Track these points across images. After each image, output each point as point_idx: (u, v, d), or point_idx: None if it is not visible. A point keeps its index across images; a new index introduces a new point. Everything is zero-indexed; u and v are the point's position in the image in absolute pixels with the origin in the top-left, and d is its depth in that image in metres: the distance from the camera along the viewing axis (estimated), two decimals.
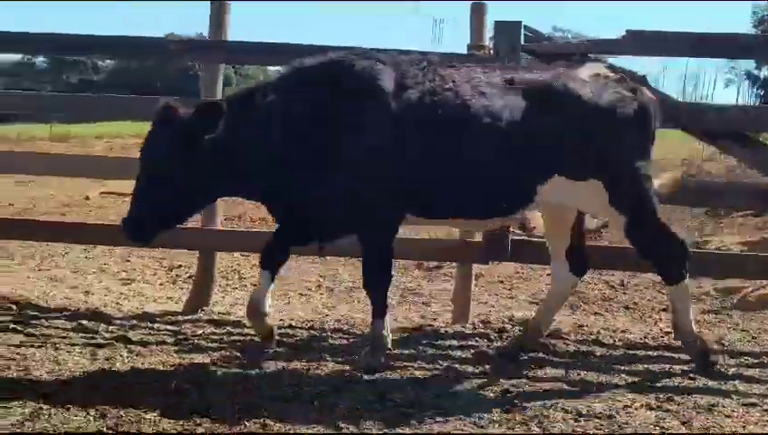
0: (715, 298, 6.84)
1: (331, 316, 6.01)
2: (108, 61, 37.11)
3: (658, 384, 4.39)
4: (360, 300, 6.48)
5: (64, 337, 5.01)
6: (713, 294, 6.95)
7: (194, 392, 3.99)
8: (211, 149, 4.36)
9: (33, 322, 5.31)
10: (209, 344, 4.95)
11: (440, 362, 4.72)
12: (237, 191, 4.72)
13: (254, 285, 6.99)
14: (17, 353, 4.58)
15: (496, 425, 3.72)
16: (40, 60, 39.88)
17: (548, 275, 5.68)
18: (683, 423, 3.80)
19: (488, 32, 5.71)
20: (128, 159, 6.03)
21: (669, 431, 3.70)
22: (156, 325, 5.43)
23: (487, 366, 4.61)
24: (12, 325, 5.16)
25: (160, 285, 7.24)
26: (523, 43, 5.54)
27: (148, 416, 3.64)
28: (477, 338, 5.28)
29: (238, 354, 4.70)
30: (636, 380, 4.46)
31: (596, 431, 3.68)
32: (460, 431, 3.64)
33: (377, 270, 4.55)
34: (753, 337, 5.58)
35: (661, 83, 31.07)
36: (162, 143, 4.37)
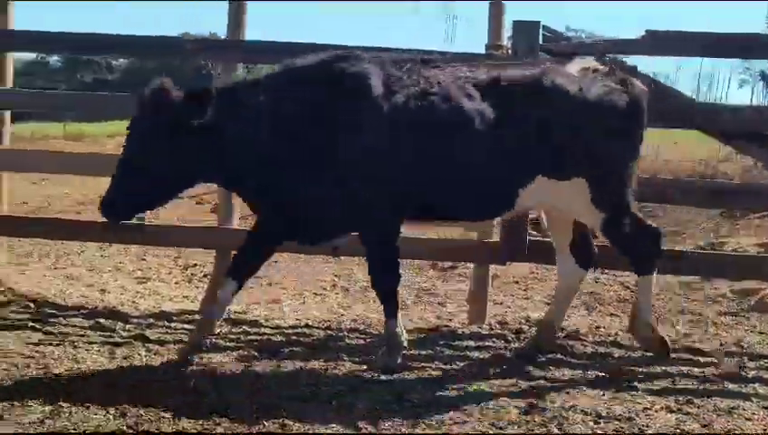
0: (732, 300, 6.77)
1: (347, 316, 6.01)
2: (121, 60, 37.09)
3: (678, 386, 4.37)
4: (375, 300, 6.38)
5: (82, 335, 5.02)
6: (729, 296, 6.88)
7: (212, 392, 4.00)
8: (198, 137, 4.27)
9: (51, 320, 5.32)
10: (227, 344, 4.95)
11: (458, 362, 4.71)
12: (220, 180, 4.69)
13: (269, 285, 7.07)
14: (36, 351, 4.60)
15: (515, 426, 3.71)
16: (54, 59, 39.95)
17: None
18: (703, 426, 3.79)
19: (506, 31, 5.70)
20: None
21: (690, 434, 3.68)
22: (173, 324, 5.44)
23: (505, 367, 4.59)
24: (30, 323, 5.19)
25: (176, 283, 7.26)
26: (541, 42, 5.52)
27: (167, 415, 3.65)
28: (494, 339, 5.26)
29: (256, 353, 4.71)
30: (655, 382, 4.43)
31: (616, 433, 3.66)
32: (479, 433, 3.63)
33: (381, 270, 4.54)
34: None
35: (675, 83, 30.93)
36: (151, 125, 4.28)
